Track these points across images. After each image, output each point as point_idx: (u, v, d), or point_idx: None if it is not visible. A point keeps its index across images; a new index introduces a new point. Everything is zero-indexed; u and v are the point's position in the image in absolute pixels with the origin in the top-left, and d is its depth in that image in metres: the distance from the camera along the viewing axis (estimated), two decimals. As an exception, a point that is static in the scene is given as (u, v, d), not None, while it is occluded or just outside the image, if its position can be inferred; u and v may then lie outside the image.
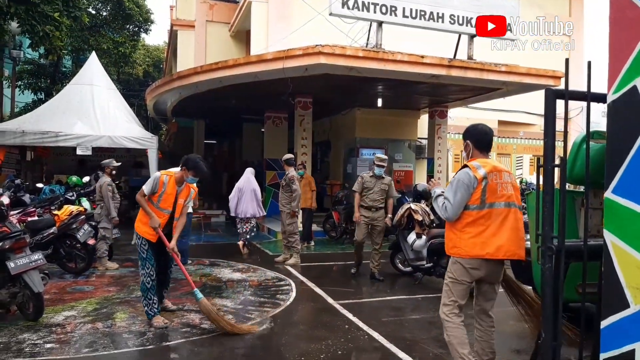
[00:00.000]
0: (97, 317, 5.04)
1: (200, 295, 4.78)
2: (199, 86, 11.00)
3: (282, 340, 4.59)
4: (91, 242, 6.92)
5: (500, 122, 15.93)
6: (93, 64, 13.43)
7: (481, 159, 3.42)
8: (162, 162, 13.70)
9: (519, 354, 4.23)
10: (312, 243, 10.29)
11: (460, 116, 14.79)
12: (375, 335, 4.63)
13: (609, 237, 2.11)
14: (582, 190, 2.98)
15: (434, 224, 6.92)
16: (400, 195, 9.95)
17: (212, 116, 16.84)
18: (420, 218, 6.80)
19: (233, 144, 20.96)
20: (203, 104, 13.88)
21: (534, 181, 13.34)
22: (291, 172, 8.28)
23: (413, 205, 6.92)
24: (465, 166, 3.39)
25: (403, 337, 4.60)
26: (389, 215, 7.09)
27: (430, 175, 13.31)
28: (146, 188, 4.77)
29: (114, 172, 7.64)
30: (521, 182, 15.62)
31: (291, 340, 4.58)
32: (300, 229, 9.72)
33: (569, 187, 3.51)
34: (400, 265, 7.49)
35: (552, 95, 2.28)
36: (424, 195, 7.40)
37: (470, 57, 9.67)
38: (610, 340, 2.11)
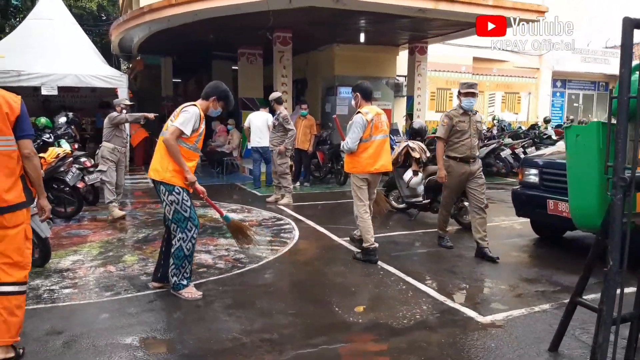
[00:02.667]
0: (106, 261, 4.92)
1: (230, 217, 4.53)
2: (172, 20, 10.35)
3: (302, 277, 4.63)
4: (80, 185, 6.64)
5: (475, 59, 15.94)
6: (50, -3, 12.39)
7: (367, 106, 4.99)
8: (133, 101, 13.10)
9: (531, 282, 4.42)
10: (307, 184, 10.15)
11: (436, 53, 14.66)
12: (391, 269, 4.72)
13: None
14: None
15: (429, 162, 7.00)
16: None
17: (180, 53, 16.06)
18: (417, 155, 6.83)
19: (201, 82, 20.19)
20: (173, 40, 13.17)
21: (506, 118, 13.56)
22: (283, 111, 8.06)
23: (411, 143, 6.92)
24: (358, 112, 4.92)
25: (417, 271, 4.71)
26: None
27: (409, 114, 13.32)
28: (187, 128, 3.73)
29: (124, 110, 7.17)
30: (493, 119, 15.89)
31: (310, 277, 4.63)
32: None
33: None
34: (394, 202, 7.59)
35: (629, 25, 2.24)
36: (420, 133, 7.41)
37: (457, -9, 9.45)
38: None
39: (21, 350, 2.96)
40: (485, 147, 11.21)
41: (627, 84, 2.26)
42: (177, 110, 3.89)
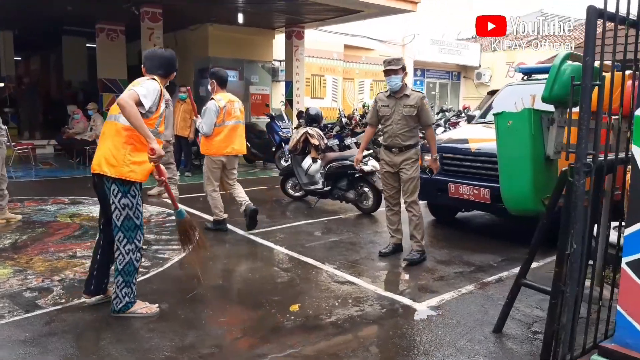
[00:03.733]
0: (-32, 278, 3.97)
1: (184, 213, 3.75)
2: (18, -15, 8.87)
3: (218, 277, 4.24)
4: None
5: (346, 47, 16.32)
6: None
7: (221, 93, 5.32)
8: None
9: (446, 264, 4.58)
10: (188, 174, 9.49)
11: (309, 39, 14.67)
12: (310, 260, 4.55)
13: (637, 151, 2.29)
14: (549, 110, 3.15)
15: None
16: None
17: (22, 26, 13.87)
18: (317, 142, 6.73)
19: (47, 60, 17.78)
20: (15, 10, 11.33)
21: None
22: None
23: (309, 130, 6.78)
24: (212, 99, 5.26)
25: (336, 260, 4.59)
26: (434, 155, 4.64)
27: (289, 100, 13.18)
28: (146, 100, 3.05)
29: None
30: (364, 105, 16.49)
31: (227, 276, 4.26)
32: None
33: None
34: (290, 191, 7.42)
35: (594, 14, 2.30)
36: (316, 119, 7.30)
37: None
38: (632, 246, 2.34)
39: None
40: (363, 133, 11.56)
41: (591, 71, 2.33)
42: (129, 86, 3.19)
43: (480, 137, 5.62)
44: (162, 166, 3.33)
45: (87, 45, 15.69)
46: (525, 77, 6.56)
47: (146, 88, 3.09)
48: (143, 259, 4.39)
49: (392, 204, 4.74)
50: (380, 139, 5.06)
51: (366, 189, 6.46)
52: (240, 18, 11.53)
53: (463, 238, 5.48)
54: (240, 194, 5.57)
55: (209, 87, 5.49)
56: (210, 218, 5.72)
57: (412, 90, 4.56)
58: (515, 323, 3.28)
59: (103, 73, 12.55)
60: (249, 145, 10.65)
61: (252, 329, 3.22)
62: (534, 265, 4.43)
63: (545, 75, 3.30)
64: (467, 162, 5.25)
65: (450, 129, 10.77)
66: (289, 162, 9.76)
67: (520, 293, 3.34)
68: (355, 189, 6.51)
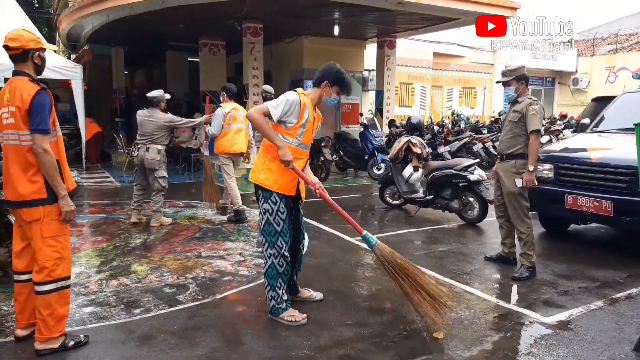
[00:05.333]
0: (115, 272, 4.41)
1: (374, 239, 3.45)
2: (135, 7, 9.65)
3: (338, 281, 4.37)
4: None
5: (435, 54, 16.16)
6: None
7: (229, 102, 6.42)
8: (87, 94, 12.15)
9: (568, 279, 4.41)
10: None
11: (399, 47, 14.69)
12: (426, 270, 4.56)
13: None
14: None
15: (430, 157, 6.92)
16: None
17: (132, 43, 15.09)
18: (419, 151, 6.74)
19: (151, 74, 19.17)
20: (128, 29, 12.33)
21: (464, 112, 13.81)
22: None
23: (412, 138, 6.81)
24: (219, 106, 6.38)
25: (453, 270, 4.58)
26: (531, 167, 4.25)
27: (379, 109, 13.26)
28: (276, 110, 3.20)
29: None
30: (452, 113, 16.22)
31: (349, 283, 4.37)
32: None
33: None
34: (389, 199, 7.47)
35: None
36: (418, 128, 7.32)
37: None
38: None
39: (71, 343, 2.98)
40: (457, 142, 11.38)
41: None
42: None
43: (599, 146, 5.38)
44: (298, 169, 3.31)
45: (189, 59, 16.74)
46: (646, 84, 6.20)
47: (277, 100, 3.29)
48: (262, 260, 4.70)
49: (497, 215, 4.70)
50: None
51: (471, 199, 6.37)
52: (336, 30, 11.78)
53: (580, 252, 5.24)
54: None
55: (221, 98, 6.60)
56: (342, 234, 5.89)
57: (528, 97, 4.40)
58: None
59: (205, 85, 13.33)
60: (342, 153, 10.90)
61: (379, 334, 3.29)
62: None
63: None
64: (588, 173, 5.04)
65: (555, 138, 10.31)
66: (382, 170, 9.87)
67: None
68: (459, 199, 6.43)
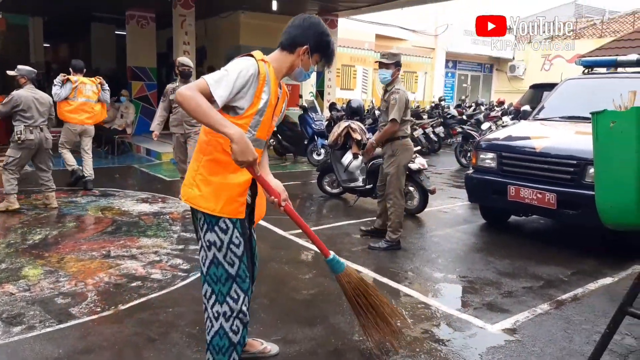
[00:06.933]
0: (1, 278, 3.71)
1: (342, 264, 2.52)
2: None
3: (282, 283, 3.89)
4: None
5: (378, 36, 15.84)
6: None
7: (77, 76, 6.85)
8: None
9: (511, 277, 4.17)
10: None
11: (340, 28, 14.21)
12: (363, 269, 4.17)
13: None
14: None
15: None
16: None
17: (53, 13, 13.72)
18: (359, 137, 6.34)
19: (75, 47, 17.65)
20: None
21: (411, 96, 13.38)
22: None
23: (352, 123, 6.38)
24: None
25: (387, 268, 4.22)
26: (373, 141, 4.93)
27: (319, 91, 12.78)
28: (218, 86, 1.95)
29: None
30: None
31: (291, 284, 3.90)
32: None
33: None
34: (327, 187, 7.05)
35: None
36: (358, 112, 6.91)
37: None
38: None
39: None
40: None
41: None
42: None
43: (543, 135, 5.17)
44: (290, 207, 2.32)
45: (116, 32, 15.51)
46: (587, 71, 6.07)
47: (220, 72, 2.06)
48: (180, 260, 4.15)
49: (378, 194, 5.20)
50: None
51: (411, 188, 6.06)
52: (274, 5, 11.13)
53: (522, 246, 5.03)
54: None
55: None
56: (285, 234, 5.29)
57: (395, 88, 4.61)
58: (608, 353, 2.86)
59: (132, 61, 12.36)
60: (280, 137, 10.35)
61: (308, 353, 2.86)
62: (608, 280, 4.05)
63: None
64: (531, 163, 4.80)
65: (494, 125, 10.25)
66: (322, 155, 9.44)
67: (598, 315, 2.97)
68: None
